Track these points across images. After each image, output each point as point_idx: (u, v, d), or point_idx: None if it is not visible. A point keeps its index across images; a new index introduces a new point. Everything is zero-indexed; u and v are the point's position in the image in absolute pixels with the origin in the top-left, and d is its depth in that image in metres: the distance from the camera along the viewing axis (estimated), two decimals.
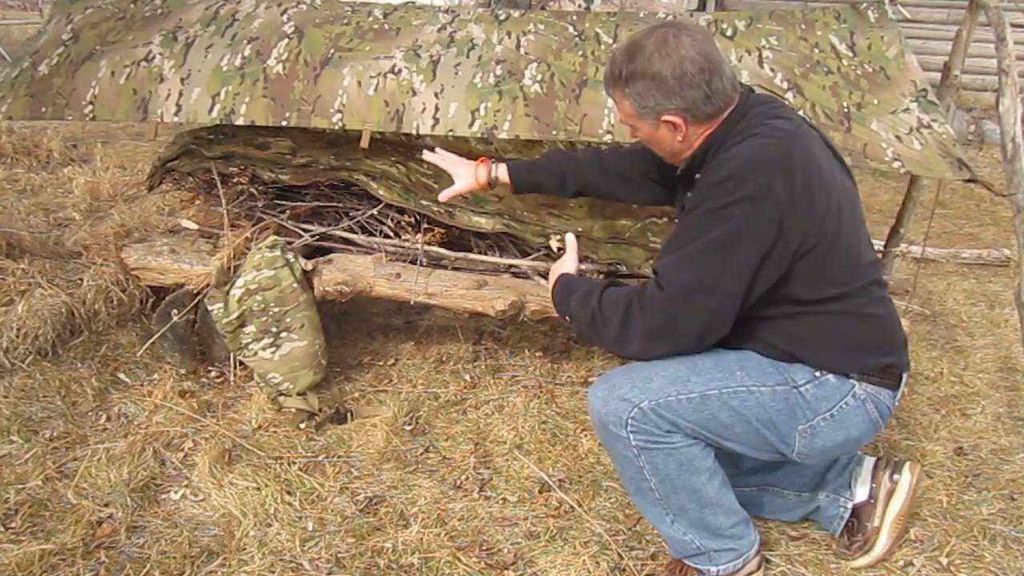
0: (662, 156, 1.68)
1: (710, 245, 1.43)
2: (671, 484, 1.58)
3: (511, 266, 2.48)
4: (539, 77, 2.29)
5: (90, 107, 2.33)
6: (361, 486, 2.04)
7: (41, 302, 2.60)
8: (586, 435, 2.28)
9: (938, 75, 2.54)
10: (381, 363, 2.73)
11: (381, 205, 2.51)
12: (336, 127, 2.27)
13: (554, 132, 2.22)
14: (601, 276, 2.46)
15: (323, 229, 2.55)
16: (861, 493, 1.81)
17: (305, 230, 2.55)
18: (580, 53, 2.37)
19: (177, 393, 2.39)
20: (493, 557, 1.79)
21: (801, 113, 1.72)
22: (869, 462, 1.83)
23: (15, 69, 2.46)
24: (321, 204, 2.59)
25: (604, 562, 1.77)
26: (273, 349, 2.32)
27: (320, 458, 2.15)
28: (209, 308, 2.34)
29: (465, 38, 2.40)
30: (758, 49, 2.38)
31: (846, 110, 2.24)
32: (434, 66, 2.32)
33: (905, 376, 1.63)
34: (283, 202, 2.61)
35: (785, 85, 2.29)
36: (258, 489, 1.96)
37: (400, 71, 2.32)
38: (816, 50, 2.38)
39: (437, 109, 2.25)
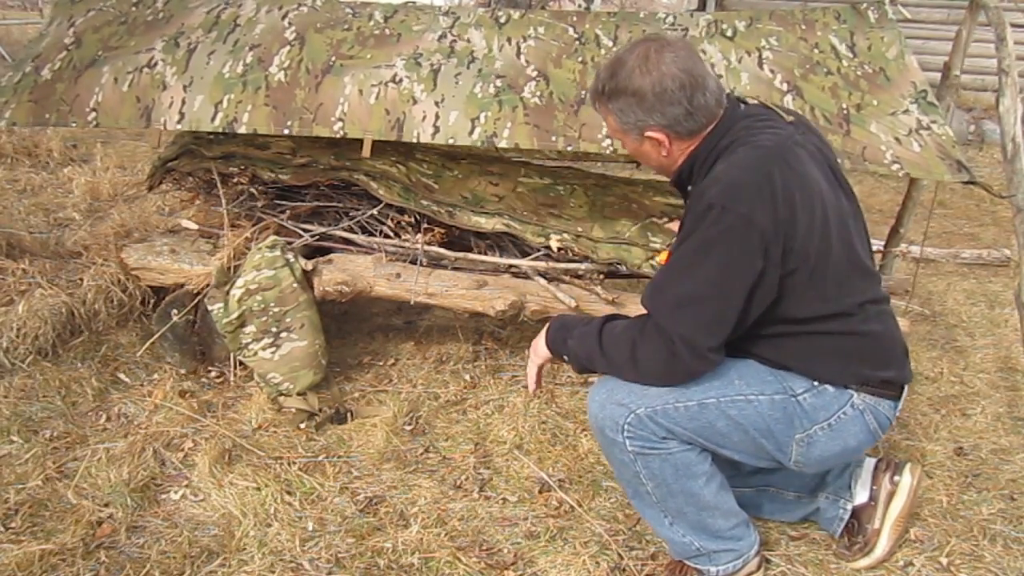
0: (652, 169, 1.68)
1: (702, 286, 1.43)
2: (668, 488, 1.58)
3: (511, 266, 2.48)
4: (538, 93, 2.29)
5: (94, 114, 2.33)
6: (361, 486, 2.04)
7: (41, 302, 2.60)
8: (586, 435, 2.28)
9: (938, 75, 2.54)
10: (381, 363, 2.73)
11: (381, 205, 2.51)
12: (338, 135, 2.27)
13: (553, 139, 2.22)
14: (601, 276, 2.46)
15: (323, 229, 2.55)
16: (861, 495, 1.80)
17: (305, 230, 2.55)
18: (580, 59, 2.37)
19: (177, 393, 2.39)
20: (493, 557, 1.79)
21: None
22: (869, 463, 1.83)
23: (17, 73, 2.45)
24: (321, 204, 2.59)
25: (604, 562, 1.77)
26: (273, 349, 2.32)
27: (320, 458, 2.15)
28: (209, 308, 2.35)
29: (465, 49, 2.40)
30: (758, 50, 2.38)
31: (845, 112, 2.24)
32: (435, 75, 2.33)
33: (906, 388, 1.63)
34: (283, 202, 2.61)
35: (785, 87, 2.29)
36: (258, 489, 1.96)
37: (401, 80, 2.32)
38: (816, 51, 2.38)
39: (437, 117, 2.26)
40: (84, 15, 2.58)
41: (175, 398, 2.36)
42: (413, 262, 2.46)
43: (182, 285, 2.53)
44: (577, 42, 2.42)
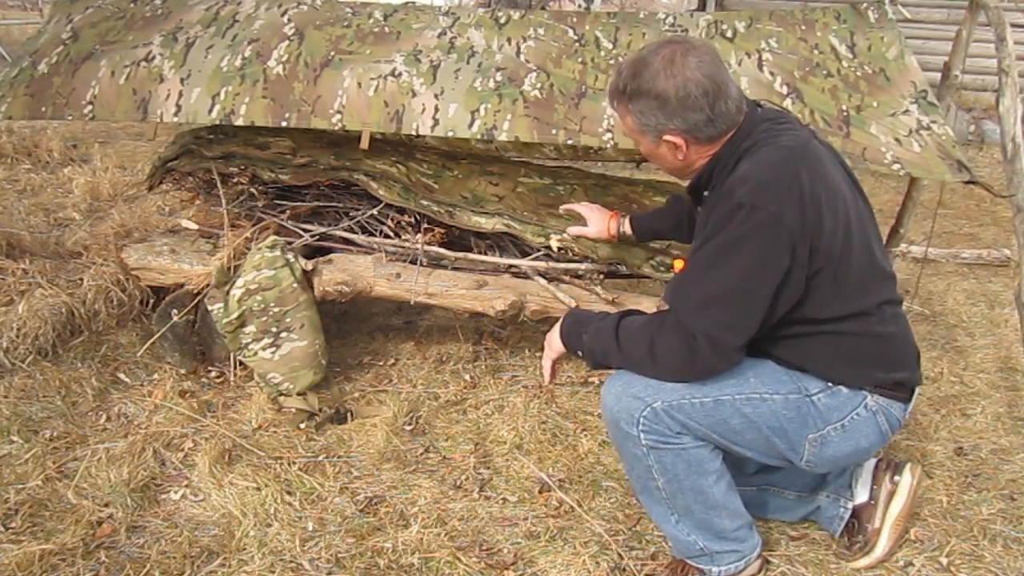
0: (664, 171, 1.68)
1: (729, 284, 1.43)
2: (678, 484, 1.58)
3: (511, 266, 2.48)
4: (539, 85, 2.29)
5: (90, 107, 2.33)
6: (361, 486, 2.04)
7: (41, 302, 2.60)
8: (586, 435, 2.28)
9: (938, 75, 2.53)
10: (381, 363, 2.73)
11: (381, 205, 2.51)
12: (336, 128, 2.27)
13: (554, 132, 2.22)
14: (601, 276, 2.46)
15: (323, 229, 2.55)
16: (862, 494, 1.81)
17: (305, 230, 2.55)
18: (579, 60, 2.37)
19: (177, 393, 2.39)
20: (493, 557, 1.79)
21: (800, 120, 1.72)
22: (870, 463, 1.83)
23: (15, 68, 2.46)
24: (321, 204, 2.59)
25: (604, 562, 1.77)
26: (273, 349, 2.32)
27: (320, 458, 2.15)
28: (209, 308, 2.35)
29: (465, 45, 2.40)
30: (758, 51, 2.38)
31: (845, 114, 2.23)
32: (434, 70, 2.33)
33: (917, 390, 1.64)
34: (283, 202, 2.61)
35: (784, 90, 2.29)
36: (258, 489, 1.96)
37: (400, 74, 2.32)
38: (816, 51, 2.38)
39: (437, 110, 2.25)
40: (83, 12, 2.58)
41: (175, 398, 2.36)
42: (413, 262, 2.46)
43: (182, 285, 2.53)
44: (577, 43, 2.42)
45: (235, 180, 2.62)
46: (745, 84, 2.30)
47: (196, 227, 2.65)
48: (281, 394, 2.36)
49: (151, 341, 2.50)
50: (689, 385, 1.52)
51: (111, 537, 1.81)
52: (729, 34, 2.43)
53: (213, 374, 2.55)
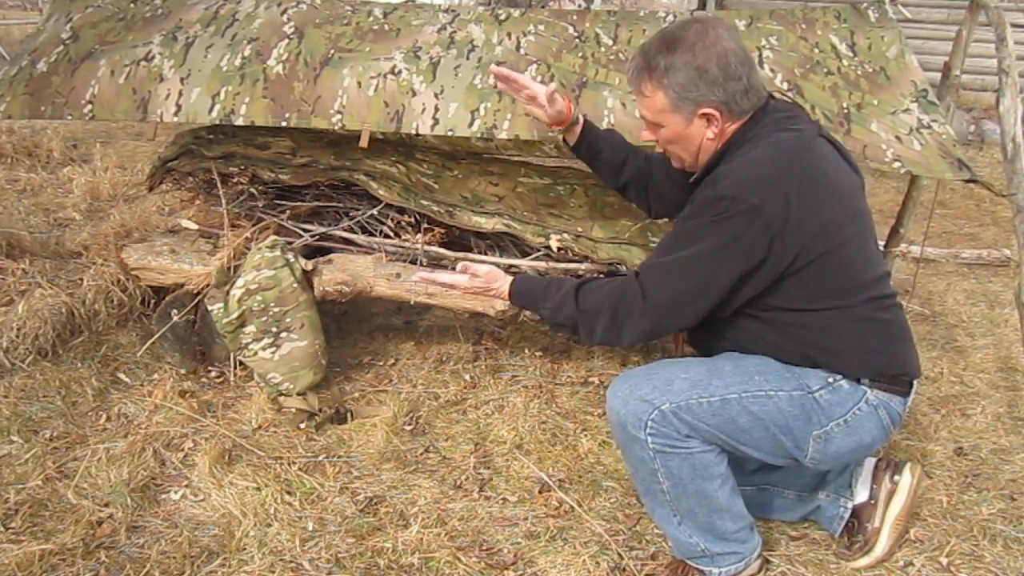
0: (682, 159, 1.66)
1: (695, 258, 1.47)
2: (683, 488, 1.58)
3: (511, 266, 2.48)
4: (539, 78, 2.29)
5: (89, 106, 2.33)
6: (361, 486, 2.04)
7: (41, 302, 2.60)
8: (586, 435, 2.28)
9: (938, 75, 2.54)
10: (381, 363, 2.73)
11: (381, 205, 2.51)
12: (336, 127, 2.27)
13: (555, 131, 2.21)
14: (601, 276, 2.45)
15: (323, 229, 2.55)
16: (861, 494, 1.81)
17: (305, 230, 2.55)
18: (580, 55, 2.37)
19: (177, 393, 2.38)
20: (493, 557, 1.79)
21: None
22: (870, 463, 1.83)
23: (13, 67, 2.45)
24: (321, 204, 2.59)
25: (604, 562, 1.76)
26: (273, 349, 2.32)
27: (320, 458, 2.15)
28: (209, 308, 2.34)
29: (465, 39, 2.40)
30: (758, 49, 2.38)
31: (846, 111, 2.23)
32: (434, 68, 2.32)
33: (916, 383, 1.64)
34: (283, 202, 2.61)
35: (785, 86, 2.29)
36: (258, 489, 1.96)
37: (400, 72, 2.32)
38: (816, 50, 2.38)
39: (437, 109, 2.25)
40: (82, 11, 2.58)
41: (175, 398, 2.36)
42: (413, 262, 2.46)
43: (182, 285, 2.53)
44: (577, 40, 2.42)
45: (235, 180, 2.62)
46: None
47: (196, 227, 2.65)
48: (281, 394, 2.36)
49: (151, 341, 2.50)
50: (695, 385, 1.53)
51: (111, 537, 1.80)
52: None
53: (213, 374, 2.55)
